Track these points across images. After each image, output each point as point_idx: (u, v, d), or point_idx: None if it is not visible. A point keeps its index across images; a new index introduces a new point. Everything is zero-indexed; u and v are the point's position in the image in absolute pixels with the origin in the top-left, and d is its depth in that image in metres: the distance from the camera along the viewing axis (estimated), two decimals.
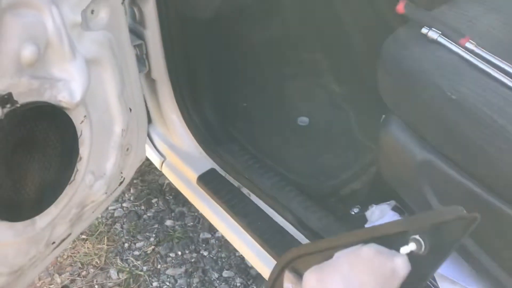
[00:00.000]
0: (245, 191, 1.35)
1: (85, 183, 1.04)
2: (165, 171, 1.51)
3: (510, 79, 0.87)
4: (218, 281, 1.69)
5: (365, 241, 0.76)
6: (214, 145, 1.42)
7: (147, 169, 2.05)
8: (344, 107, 1.65)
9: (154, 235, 1.83)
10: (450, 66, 0.92)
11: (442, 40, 0.95)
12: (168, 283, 1.69)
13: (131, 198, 1.95)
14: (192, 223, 1.87)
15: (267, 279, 1.05)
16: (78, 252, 1.77)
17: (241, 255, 1.74)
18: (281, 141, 1.55)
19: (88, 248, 1.78)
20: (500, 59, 0.90)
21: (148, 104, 1.40)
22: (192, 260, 1.75)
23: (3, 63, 0.78)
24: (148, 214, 1.90)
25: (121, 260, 1.75)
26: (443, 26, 0.96)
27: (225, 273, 1.71)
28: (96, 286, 1.68)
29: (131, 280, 1.69)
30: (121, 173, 1.18)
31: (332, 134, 1.58)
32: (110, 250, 1.78)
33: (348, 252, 0.79)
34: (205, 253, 1.77)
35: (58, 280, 1.69)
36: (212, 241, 1.81)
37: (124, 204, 1.93)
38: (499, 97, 0.85)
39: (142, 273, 1.71)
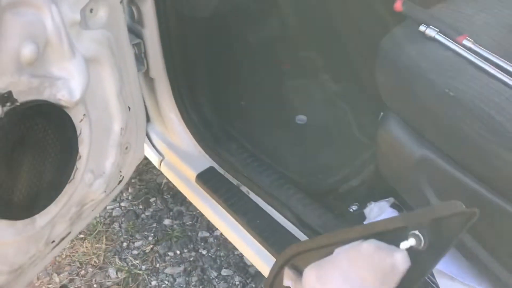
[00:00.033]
0: (244, 189, 1.35)
1: (85, 181, 1.04)
2: (164, 170, 1.51)
3: (508, 77, 0.88)
4: (217, 280, 1.69)
5: (365, 237, 0.77)
6: (213, 143, 1.42)
7: (144, 168, 2.05)
8: (342, 105, 1.66)
9: (152, 234, 1.83)
10: (447, 63, 0.92)
11: (440, 37, 0.95)
12: (167, 282, 1.69)
13: (129, 198, 1.95)
14: (190, 222, 1.87)
15: (266, 276, 1.05)
16: (77, 251, 1.77)
17: (240, 254, 1.74)
18: (280, 139, 1.55)
19: (86, 247, 1.78)
20: (497, 56, 0.91)
21: (146, 103, 1.41)
22: (191, 259, 1.75)
23: (3, 62, 0.78)
24: (146, 213, 1.91)
25: (120, 259, 1.75)
26: (441, 24, 0.96)
27: (224, 272, 1.71)
28: (95, 285, 1.68)
29: (130, 279, 1.69)
30: (120, 171, 1.18)
31: (330, 132, 1.59)
32: (108, 249, 1.78)
33: (348, 248, 0.80)
34: (204, 252, 1.77)
35: (57, 280, 1.69)
36: (211, 239, 1.81)
37: (122, 204, 1.94)
38: (497, 94, 0.86)
39: (141, 272, 1.71)
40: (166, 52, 1.30)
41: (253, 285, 1.67)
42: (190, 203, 1.89)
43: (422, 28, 0.97)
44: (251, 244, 1.26)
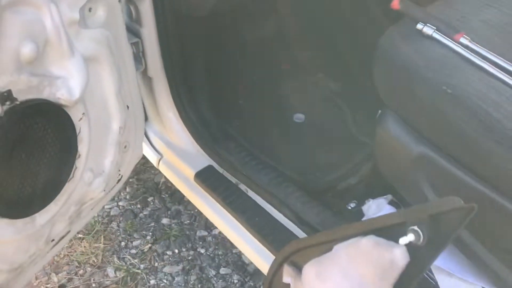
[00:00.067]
0: (242, 187, 1.36)
1: (84, 180, 1.04)
2: (162, 168, 1.51)
3: (505, 74, 0.88)
4: (215, 278, 1.70)
5: (364, 233, 0.77)
6: (211, 142, 1.42)
7: (142, 167, 2.05)
8: (339, 103, 1.67)
9: (150, 233, 1.83)
10: (445, 61, 0.93)
11: (437, 35, 0.96)
12: (165, 281, 1.69)
13: (127, 197, 1.95)
14: (188, 221, 1.87)
15: (265, 274, 1.06)
16: (75, 251, 1.77)
17: (238, 252, 1.75)
18: (278, 137, 1.56)
19: (84, 247, 1.78)
20: (494, 54, 0.91)
21: (144, 102, 1.41)
22: (189, 258, 1.75)
23: (3, 61, 0.78)
24: (144, 213, 1.91)
25: (118, 258, 1.75)
26: (438, 22, 0.97)
27: (222, 270, 1.72)
28: (93, 285, 1.68)
29: (129, 278, 1.69)
30: (119, 170, 1.18)
31: (328, 130, 1.59)
32: (107, 248, 1.78)
33: (347, 245, 0.80)
34: (202, 251, 1.77)
35: (55, 279, 1.69)
36: (209, 238, 1.81)
37: (120, 203, 1.94)
38: (494, 91, 0.86)
39: (139, 271, 1.71)
40: (164, 51, 1.30)
41: (252, 284, 1.68)
42: (188, 202, 1.89)
43: (419, 26, 0.97)
44: (250, 242, 1.27)
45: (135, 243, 1.80)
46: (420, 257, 0.70)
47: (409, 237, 0.69)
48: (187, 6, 1.31)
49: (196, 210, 1.88)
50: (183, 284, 1.68)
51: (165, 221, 1.87)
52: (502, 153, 0.84)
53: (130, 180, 1.99)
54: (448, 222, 0.66)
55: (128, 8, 1.22)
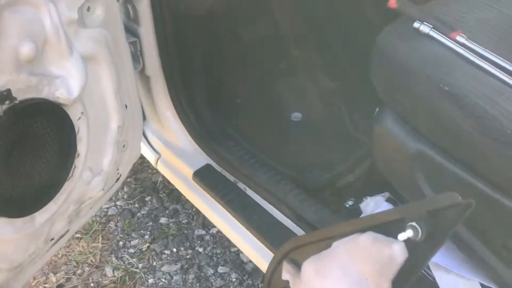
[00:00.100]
0: (241, 185, 1.36)
1: (83, 179, 1.05)
2: (160, 167, 1.52)
3: (501, 72, 0.89)
4: (213, 277, 1.70)
5: (363, 230, 0.78)
6: (209, 141, 1.42)
7: (139, 167, 2.05)
8: (336, 102, 1.67)
9: (148, 232, 1.83)
10: (442, 59, 0.94)
11: (434, 34, 0.97)
12: (164, 280, 1.69)
13: (125, 197, 1.95)
14: (186, 220, 1.87)
15: (264, 272, 1.06)
16: (73, 250, 1.77)
17: (236, 251, 1.75)
18: (276, 136, 1.56)
19: (82, 246, 1.78)
20: (491, 52, 0.92)
21: (142, 101, 1.41)
22: (188, 257, 1.76)
23: (2, 60, 0.79)
24: (142, 212, 1.91)
25: (116, 258, 1.75)
26: (435, 20, 0.98)
27: (221, 269, 1.72)
28: (91, 284, 1.68)
29: (127, 277, 1.69)
30: (118, 169, 1.19)
31: (325, 129, 1.60)
32: (105, 248, 1.78)
33: (346, 241, 0.81)
34: (200, 250, 1.78)
35: (53, 279, 1.69)
36: (207, 237, 1.82)
37: (117, 203, 1.94)
38: (491, 89, 0.87)
39: (137, 270, 1.71)
40: (162, 50, 1.30)
41: (250, 282, 1.68)
42: (186, 201, 1.90)
43: (416, 24, 0.98)
44: (249, 240, 1.27)
45: (133, 242, 1.80)
46: (418, 253, 0.71)
47: (408, 233, 0.70)
48: (185, 6, 1.32)
49: (194, 209, 1.88)
50: (181, 283, 1.68)
51: (163, 220, 1.87)
52: (499, 149, 0.85)
53: (128, 179, 1.99)
54: (446, 218, 0.67)
55: (126, 8, 1.23)
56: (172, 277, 1.70)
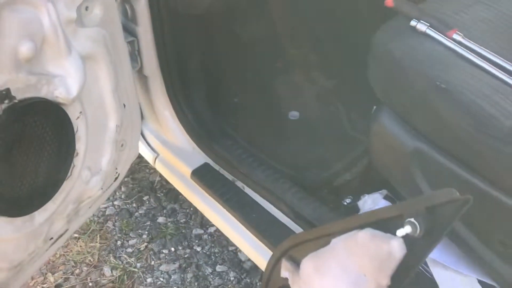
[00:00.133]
0: (239, 184, 1.37)
1: (82, 178, 1.05)
2: (159, 167, 1.52)
3: (497, 69, 0.90)
4: (212, 276, 1.70)
5: (361, 227, 0.79)
6: (207, 140, 1.43)
7: (137, 167, 2.05)
8: (333, 100, 1.68)
9: (146, 232, 1.83)
10: (438, 57, 0.95)
11: (431, 32, 0.97)
12: (162, 279, 1.69)
13: (122, 196, 1.95)
14: (184, 220, 1.88)
15: (263, 270, 1.06)
16: (71, 250, 1.77)
17: (234, 250, 1.76)
18: (273, 135, 1.57)
19: (80, 246, 1.78)
20: (487, 50, 0.93)
21: (140, 101, 1.41)
22: (186, 256, 1.76)
23: (1, 59, 0.79)
24: (140, 212, 1.91)
25: (114, 257, 1.75)
26: (431, 19, 0.99)
27: (219, 268, 1.72)
28: (90, 284, 1.68)
29: (125, 276, 1.69)
30: (116, 169, 1.19)
31: (323, 127, 1.61)
32: (103, 248, 1.78)
33: (345, 238, 0.81)
34: (198, 249, 1.78)
35: (52, 279, 1.69)
36: (205, 236, 1.82)
37: (115, 202, 1.94)
38: (487, 86, 0.88)
39: (136, 269, 1.71)
40: (159, 49, 1.31)
41: (248, 280, 1.69)
42: (184, 201, 1.90)
43: (413, 23, 0.99)
44: (247, 238, 1.28)
45: (131, 242, 1.80)
46: (417, 249, 0.71)
47: (406, 229, 0.70)
48: (183, 5, 1.32)
49: (191, 209, 1.88)
50: (179, 282, 1.68)
51: (160, 219, 1.88)
52: (495, 146, 0.86)
53: (125, 179, 1.99)
54: (444, 214, 0.67)
55: (124, 7, 1.23)
56: (170, 276, 1.70)
